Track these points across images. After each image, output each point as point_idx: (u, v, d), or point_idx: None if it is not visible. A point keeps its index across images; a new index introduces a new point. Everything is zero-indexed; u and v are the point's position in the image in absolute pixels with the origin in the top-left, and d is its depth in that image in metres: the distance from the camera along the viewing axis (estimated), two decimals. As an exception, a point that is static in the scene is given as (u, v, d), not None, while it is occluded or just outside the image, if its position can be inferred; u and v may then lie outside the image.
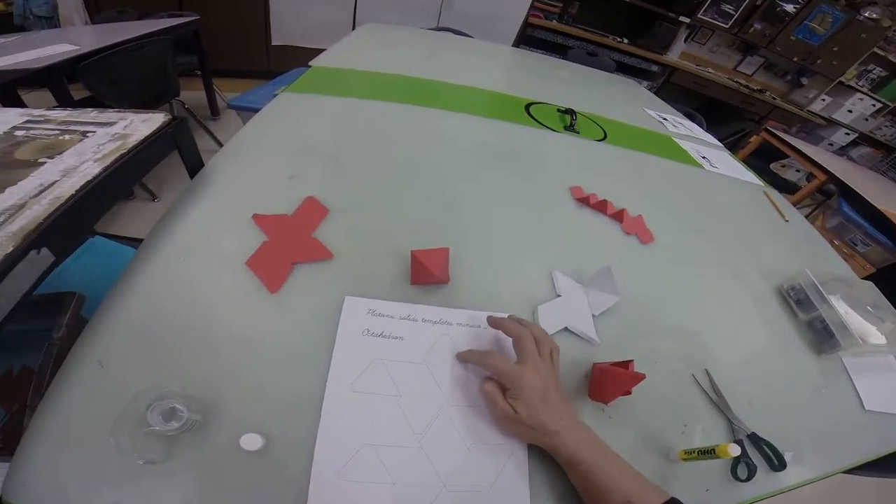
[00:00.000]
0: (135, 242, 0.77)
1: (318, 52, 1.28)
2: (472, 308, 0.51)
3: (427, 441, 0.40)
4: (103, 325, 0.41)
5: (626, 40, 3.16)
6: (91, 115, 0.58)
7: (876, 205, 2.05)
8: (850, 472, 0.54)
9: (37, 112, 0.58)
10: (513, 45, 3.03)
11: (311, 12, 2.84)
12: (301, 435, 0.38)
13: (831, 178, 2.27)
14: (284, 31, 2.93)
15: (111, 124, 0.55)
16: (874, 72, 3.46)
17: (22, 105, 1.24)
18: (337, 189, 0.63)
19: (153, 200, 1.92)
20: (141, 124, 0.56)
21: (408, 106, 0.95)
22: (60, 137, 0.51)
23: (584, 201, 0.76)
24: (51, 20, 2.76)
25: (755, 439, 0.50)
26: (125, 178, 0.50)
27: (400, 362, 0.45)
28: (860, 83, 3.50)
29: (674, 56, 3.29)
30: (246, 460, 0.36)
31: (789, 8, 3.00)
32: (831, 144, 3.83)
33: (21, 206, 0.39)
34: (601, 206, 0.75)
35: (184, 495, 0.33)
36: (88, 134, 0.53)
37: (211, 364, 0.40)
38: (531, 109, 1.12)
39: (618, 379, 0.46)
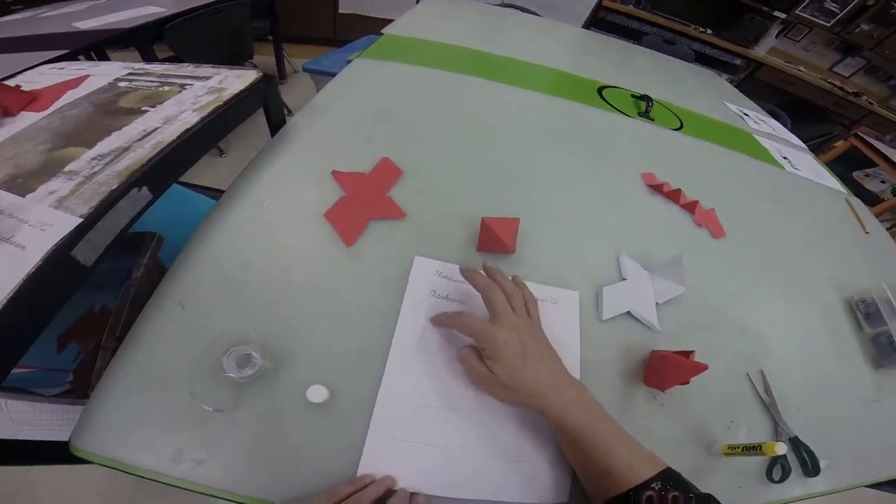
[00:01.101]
0: (208, 191, 0.84)
1: (381, 21, 1.29)
2: (534, 281, 0.52)
3: (480, 407, 0.41)
4: (186, 267, 0.44)
5: (709, 31, 2.93)
6: (188, 69, 0.62)
7: None
8: (872, 486, 0.52)
9: (137, 65, 0.63)
10: (583, 27, 2.90)
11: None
12: (363, 391, 0.39)
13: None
14: None
15: (207, 78, 0.59)
16: None
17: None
18: (411, 153, 0.65)
19: (220, 156, 2.04)
20: (235, 79, 0.59)
21: (476, 79, 0.94)
22: (160, 89, 0.56)
23: (657, 189, 0.73)
24: None
25: (796, 443, 0.49)
26: (220, 129, 0.54)
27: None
28: None
29: (762, 51, 3.02)
30: (308, 412, 0.37)
31: None
32: None
33: (126, 149, 0.43)
34: (674, 196, 0.72)
35: (245, 443, 0.35)
36: (186, 87, 0.57)
37: (286, 313, 0.42)
38: (604, 92, 1.08)
39: (679, 367, 0.46)
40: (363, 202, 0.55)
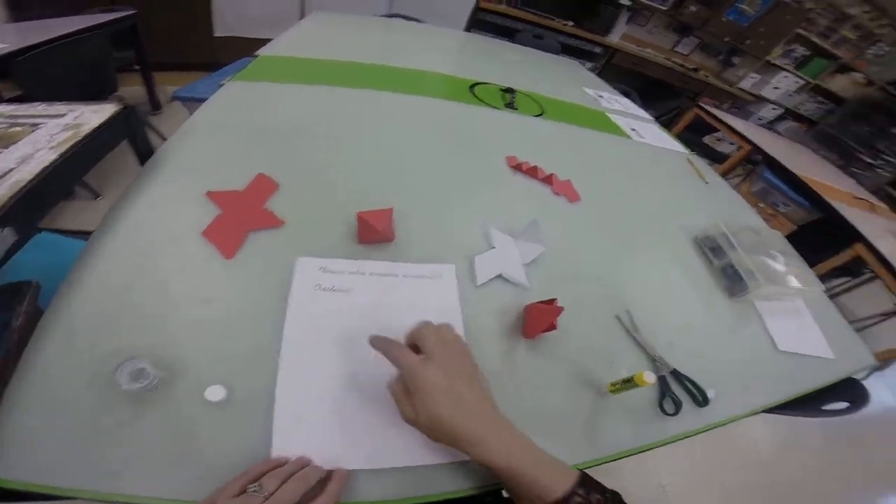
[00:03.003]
0: (83, 235, 0.79)
1: (264, 42, 1.29)
2: (416, 261, 0.58)
3: (380, 382, 0.42)
4: (69, 298, 0.44)
5: (571, 23, 3.26)
6: (39, 108, 0.60)
7: (793, 171, 2.29)
8: (771, 411, 0.59)
9: None
10: (465, 30, 3.07)
11: (256, 2, 2.77)
12: (262, 385, 0.41)
13: (756, 148, 2.51)
14: (228, 21, 2.83)
15: (61, 116, 0.58)
16: (797, 51, 3.75)
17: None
18: (286, 166, 0.68)
19: (95, 199, 1.85)
20: (92, 115, 0.58)
21: (356, 90, 1.00)
22: (10, 130, 0.53)
23: (518, 168, 0.85)
24: None
25: (678, 376, 0.55)
26: (82, 165, 0.54)
27: (350, 313, 0.50)
28: (785, 62, 3.78)
29: (615, 38, 3.43)
30: (212, 412, 0.38)
31: None
32: (760, 119, 4.15)
33: None
34: (532, 172, 0.84)
35: (158, 450, 0.36)
36: (39, 126, 0.55)
37: (173, 326, 0.44)
38: (475, 90, 1.19)
39: (542, 313, 0.54)
40: (240, 217, 0.57)
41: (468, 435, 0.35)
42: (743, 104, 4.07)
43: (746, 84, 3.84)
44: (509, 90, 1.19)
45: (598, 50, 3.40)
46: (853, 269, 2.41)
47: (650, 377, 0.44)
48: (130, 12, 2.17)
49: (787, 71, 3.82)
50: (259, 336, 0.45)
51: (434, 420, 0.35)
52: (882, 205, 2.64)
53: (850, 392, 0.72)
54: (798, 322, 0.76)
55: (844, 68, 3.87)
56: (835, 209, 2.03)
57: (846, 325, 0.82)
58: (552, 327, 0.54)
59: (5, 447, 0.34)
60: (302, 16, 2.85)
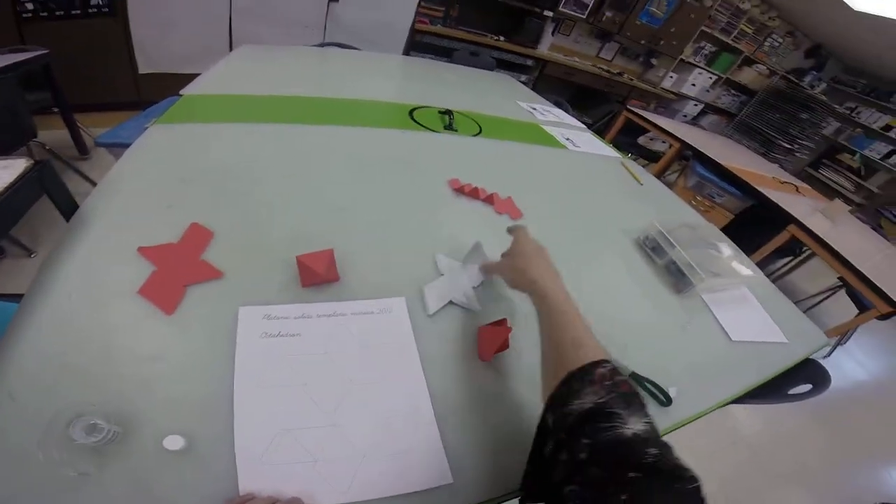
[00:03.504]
0: (16, 298, 0.72)
1: (190, 76, 1.25)
2: (363, 298, 0.58)
3: (339, 418, 0.45)
4: (5, 363, 0.42)
5: (502, 38, 3.41)
6: None
7: (721, 161, 2.49)
8: (739, 401, 0.61)
9: None
10: (403, 53, 3.12)
11: (180, 37, 2.66)
12: (219, 431, 0.41)
13: (684, 144, 2.71)
14: (152, 57, 2.70)
15: None
16: (706, 48, 4.13)
17: None
18: (220, 212, 0.66)
19: (30, 256, 1.69)
20: (1, 171, 0.54)
21: (290, 125, 0.98)
22: None
23: (460, 191, 0.87)
24: None
25: (637, 378, 0.57)
26: None
27: (301, 355, 0.50)
28: (697, 59, 4.15)
29: (544, 49, 3.62)
30: (175, 461, 0.38)
31: None
32: (685, 116, 4.51)
33: None
34: (474, 193, 0.86)
35: (123, 500, 0.36)
36: None
37: (121, 382, 0.43)
38: (414, 114, 1.22)
39: (493, 334, 0.55)
40: (177, 271, 0.55)
41: (551, 276, 0.53)
42: (668, 103, 4.41)
43: (667, 83, 4.17)
44: (447, 112, 1.23)
45: (530, 62, 3.56)
46: (795, 249, 2.62)
47: None
48: (41, 52, 2.02)
49: (700, 68, 4.18)
50: (210, 385, 0.45)
51: (530, 270, 0.54)
52: (805, 185, 2.92)
53: (811, 374, 0.75)
54: (746, 310, 0.79)
55: (749, 61, 4.29)
56: (763, 195, 2.21)
57: (793, 306, 0.87)
58: (505, 346, 0.55)
59: None
60: (230, 48, 2.78)
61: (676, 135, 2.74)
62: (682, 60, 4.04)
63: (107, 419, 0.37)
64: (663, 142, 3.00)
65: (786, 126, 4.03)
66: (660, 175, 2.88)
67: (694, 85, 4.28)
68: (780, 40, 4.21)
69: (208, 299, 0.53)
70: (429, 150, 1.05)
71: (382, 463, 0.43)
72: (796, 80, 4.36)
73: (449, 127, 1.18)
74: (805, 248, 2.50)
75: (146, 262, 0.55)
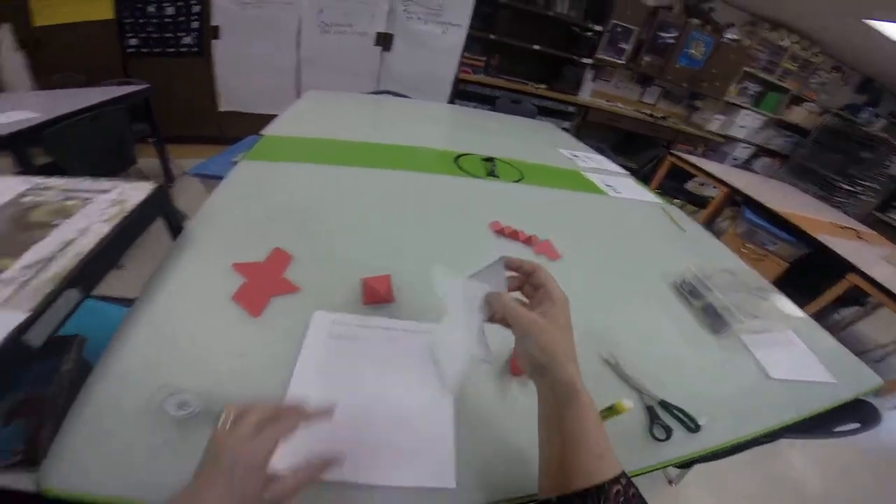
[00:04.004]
0: (116, 300, 0.86)
1: (264, 117, 1.44)
2: (412, 320, 0.66)
3: (367, 408, 0.51)
4: (120, 348, 0.52)
5: (543, 86, 3.54)
6: (86, 183, 0.69)
7: (773, 207, 2.37)
8: (784, 435, 0.63)
9: (36, 179, 0.69)
10: (448, 101, 3.34)
11: (256, 79, 3.04)
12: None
13: (733, 189, 2.65)
14: (232, 97, 3.09)
15: (106, 191, 0.67)
16: (751, 88, 4.00)
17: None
18: (297, 239, 0.78)
19: (118, 268, 1.92)
20: (133, 191, 0.68)
21: (353, 168, 1.12)
22: (66, 202, 0.63)
23: (500, 232, 0.95)
24: None
25: (666, 405, 0.59)
26: (129, 236, 0.63)
27: (355, 355, 0.58)
28: (743, 100, 4.02)
29: (585, 95, 3.70)
30: None
31: (669, 38, 3.46)
32: (735, 159, 4.33)
33: (50, 259, 0.51)
34: (514, 235, 0.94)
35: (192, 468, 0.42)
36: (89, 200, 0.64)
37: (213, 372, 0.52)
38: (459, 161, 1.33)
39: None
40: (263, 284, 0.66)
41: (572, 367, 0.40)
42: (716, 146, 4.25)
43: (714, 126, 4.06)
44: (490, 159, 1.33)
45: (571, 109, 3.64)
46: (859, 298, 2.40)
47: (628, 403, 0.47)
48: (145, 86, 2.33)
49: (747, 108, 4.02)
50: (278, 375, 0.53)
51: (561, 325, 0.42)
52: (869, 231, 2.69)
53: (860, 412, 0.74)
54: (790, 350, 0.79)
55: (797, 99, 4.09)
56: (820, 242, 2.06)
57: (843, 348, 0.86)
58: None
59: (63, 463, 0.41)
60: (298, 92, 3.11)
61: (723, 179, 2.68)
62: (727, 102, 3.96)
63: (195, 398, 0.46)
64: (714, 187, 2.94)
65: (845, 167, 3.78)
66: (709, 222, 2.80)
67: (743, 126, 4.13)
68: (827, 76, 4.02)
69: (287, 308, 0.63)
70: (472, 195, 1.14)
71: (393, 454, 0.47)
72: (851, 117, 4.08)
73: (491, 174, 1.28)
74: (870, 297, 2.31)
75: (238, 276, 0.67)
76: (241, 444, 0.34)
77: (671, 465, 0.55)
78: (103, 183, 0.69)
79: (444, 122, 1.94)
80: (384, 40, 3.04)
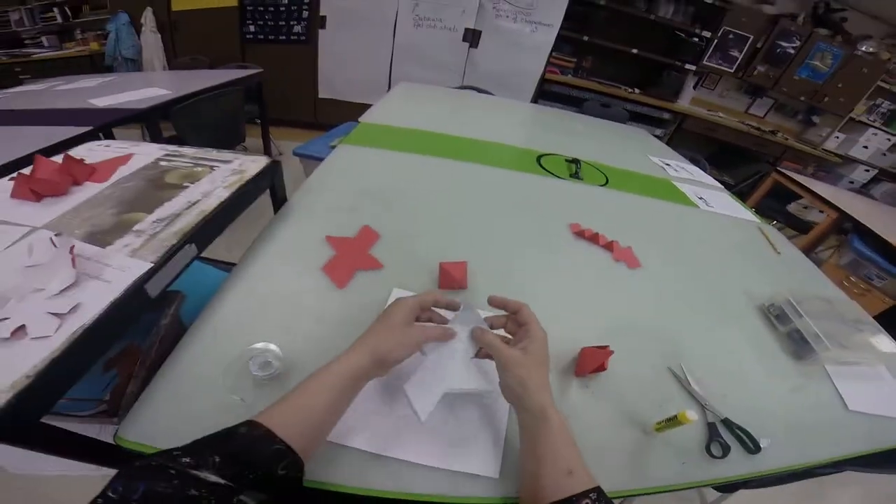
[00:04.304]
0: (215, 262, 0.98)
1: (356, 105, 1.55)
2: (483, 308, 0.67)
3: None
4: (216, 307, 0.58)
5: (637, 90, 3.36)
6: (213, 153, 0.79)
7: (889, 239, 2.07)
8: (849, 467, 0.60)
9: (171, 147, 0.80)
10: (531, 100, 3.30)
11: (354, 69, 3.24)
12: None
13: (843, 215, 2.33)
14: (330, 85, 3.33)
15: (229, 162, 0.76)
16: (883, 105, 3.46)
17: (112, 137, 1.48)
18: (386, 220, 0.84)
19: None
20: (251, 163, 0.76)
21: (439, 159, 1.18)
22: (195, 169, 0.72)
23: (580, 234, 0.94)
24: (135, 62, 3.23)
25: (728, 424, 0.58)
26: (243, 202, 0.70)
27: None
28: (871, 118, 3.51)
29: (684, 103, 3.45)
30: None
31: (789, 48, 3.13)
32: (852, 182, 3.80)
33: (178, 215, 0.59)
34: (594, 238, 0.92)
35: None
36: (215, 168, 0.73)
37: (296, 335, 0.56)
38: (542, 160, 1.33)
39: (594, 354, 0.61)
40: (350, 258, 0.73)
41: (544, 396, 0.44)
42: (831, 167, 3.78)
43: (831, 145, 3.61)
44: (575, 161, 1.31)
45: (667, 116, 3.43)
46: None
47: (692, 415, 0.47)
48: (259, 70, 2.55)
49: (875, 128, 3.52)
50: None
51: (539, 360, 0.46)
52: None
53: None
54: (876, 385, 0.74)
55: None
56: None
57: None
58: (602, 368, 0.59)
59: (142, 417, 0.45)
60: (389, 83, 3.27)
61: (835, 203, 2.37)
62: (851, 119, 3.48)
63: (277, 359, 0.49)
64: (820, 211, 2.61)
65: None
66: (809, 249, 2.50)
67: (866, 147, 3.59)
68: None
69: (370, 283, 0.69)
70: (553, 195, 1.14)
71: (448, 438, 0.48)
72: None
73: (575, 175, 1.26)
74: None
75: (329, 248, 0.74)
76: (402, 298, 0.50)
77: (721, 482, 0.54)
78: (226, 154, 0.79)
79: (528, 121, 1.94)
80: (472, 36, 3.07)
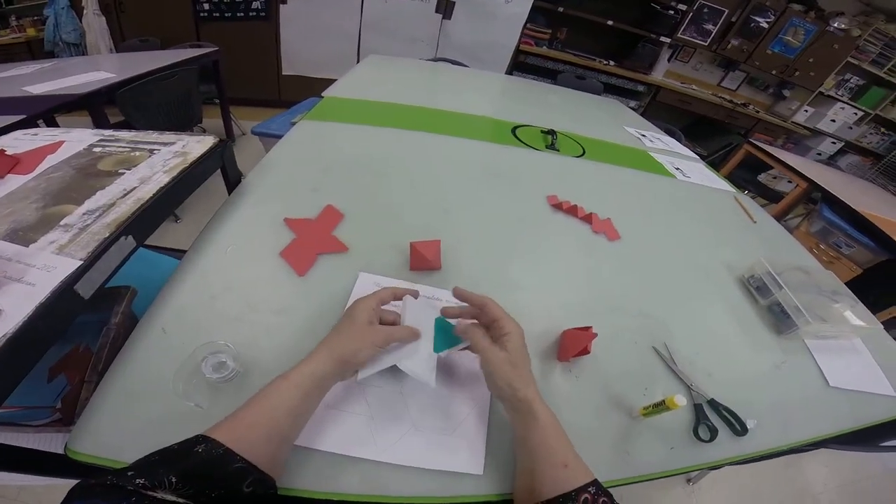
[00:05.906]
0: (169, 251, 0.91)
1: (323, 81, 1.44)
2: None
3: (405, 386, 0.49)
4: (165, 302, 0.53)
5: (612, 62, 3.33)
6: (153, 136, 0.71)
7: (856, 207, 2.15)
8: (826, 445, 0.59)
9: (107, 132, 0.72)
10: (506, 73, 3.22)
11: (319, 44, 3.07)
12: None
13: (813, 185, 2.39)
14: (294, 61, 3.15)
15: (171, 144, 0.69)
16: (851, 81, 3.58)
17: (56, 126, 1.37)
18: (350, 198, 0.77)
19: (176, 221, 2.07)
20: (196, 144, 0.69)
21: (409, 131, 1.10)
22: (132, 154, 0.65)
23: (558, 207, 0.89)
24: (78, 47, 2.96)
25: (714, 405, 0.56)
26: (187, 187, 0.63)
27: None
28: (839, 93, 3.62)
29: (658, 75, 3.45)
30: None
31: (763, 23, 3.16)
32: (819, 154, 3.94)
33: (111, 205, 0.52)
34: (572, 211, 0.88)
35: None
36: (154, 151, 0.66)
37: (250, 330, 0.51)
38: (517, 132, 1.27)
39: (576, 337, 0.57)
40: (311, 241, 0.66)
41: (535, 386, 0.44)
42: (799, 139, 3.90)
43: (800, 118, 3.70)
44: (551, 132, 1.26)
45: (641, 88, 3.43)
46: None
47: (681, 400, 0.45)
48: (215, 48, 2.43)
49: (843, 102, 3.64)
50: (318, 337, 0.49)
51: (517, 359, 0.45)
52: None
53: None
54: (854, 359, 0.74)
55: None
56: None
57: None
58: (586, 351, 0.56)
59: (92, 426, 0.41)
60: (358, 57, 3.12)
61: (806, 174, 2.43)
62: (821, 93, 3.56)
63: (233, 360, 0.45)
64: (789, 181, 2.67)
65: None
66: (780, 218, 2.57)
67: (833, 121, 3.73)
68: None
69: (334, 267, 0.63)
70: (529, 166, 1.09)
71: (427, 437, 0.46)
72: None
73: (551, 146, 1.21)
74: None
75: (288, 231, 0.67)
76: (362, 298, 0.49)
77: (709, 466, 0.52)
78: (169, 136, 0.71)
79: (502, 92, 1.86)
80: (445, 7, 2.95)
